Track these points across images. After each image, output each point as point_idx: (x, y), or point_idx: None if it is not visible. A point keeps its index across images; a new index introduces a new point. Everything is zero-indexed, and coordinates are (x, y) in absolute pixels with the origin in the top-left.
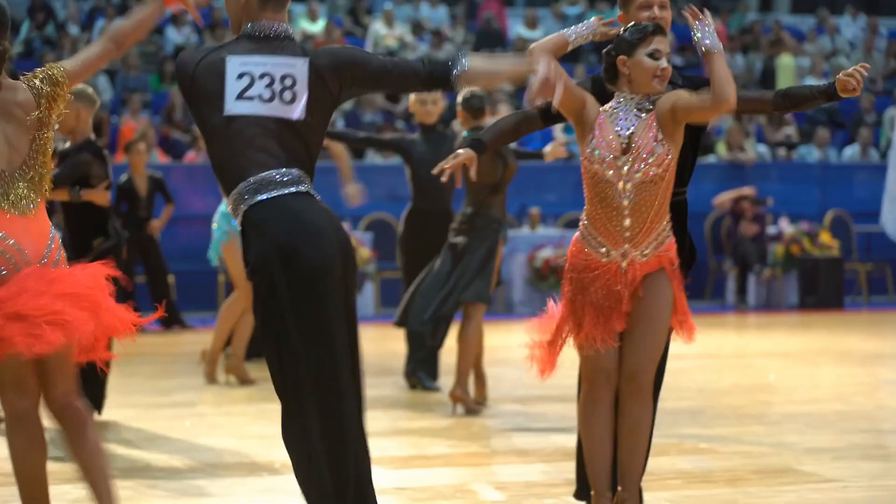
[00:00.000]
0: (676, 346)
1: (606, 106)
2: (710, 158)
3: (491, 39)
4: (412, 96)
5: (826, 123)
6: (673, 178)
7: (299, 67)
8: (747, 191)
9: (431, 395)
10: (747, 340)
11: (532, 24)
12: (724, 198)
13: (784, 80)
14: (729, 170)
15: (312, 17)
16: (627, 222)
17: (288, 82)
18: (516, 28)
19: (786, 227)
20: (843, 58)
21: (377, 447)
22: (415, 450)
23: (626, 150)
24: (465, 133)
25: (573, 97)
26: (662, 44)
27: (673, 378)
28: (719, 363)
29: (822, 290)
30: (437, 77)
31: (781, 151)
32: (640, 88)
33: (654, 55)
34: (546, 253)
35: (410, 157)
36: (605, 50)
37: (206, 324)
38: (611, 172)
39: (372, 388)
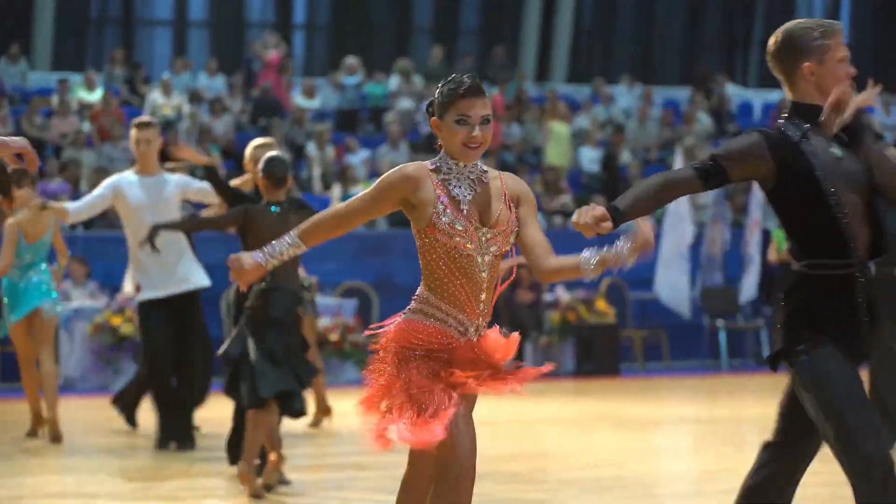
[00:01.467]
0: None
1: (434, 168)
2: None
3: (269, 108)
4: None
5: (601, 192)
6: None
7: None
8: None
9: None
10: (524, 406)
11: (310, 93)
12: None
13: (556, 148)
14: None
15: (90, 87)
16: (483, 296)
17: None
18: (295, 98)
19: (562, 294)
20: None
21: None
22: None
23: (484, 222)
24: (271, 206)
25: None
26: (474, 107)
27: None
28: (496, 429)
29: (598, 356)
30: None
31: (557, 220)
32: (453, 156)
33: (461, 121)
34: (323, 322)
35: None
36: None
37: None
38: (471, 245)
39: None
